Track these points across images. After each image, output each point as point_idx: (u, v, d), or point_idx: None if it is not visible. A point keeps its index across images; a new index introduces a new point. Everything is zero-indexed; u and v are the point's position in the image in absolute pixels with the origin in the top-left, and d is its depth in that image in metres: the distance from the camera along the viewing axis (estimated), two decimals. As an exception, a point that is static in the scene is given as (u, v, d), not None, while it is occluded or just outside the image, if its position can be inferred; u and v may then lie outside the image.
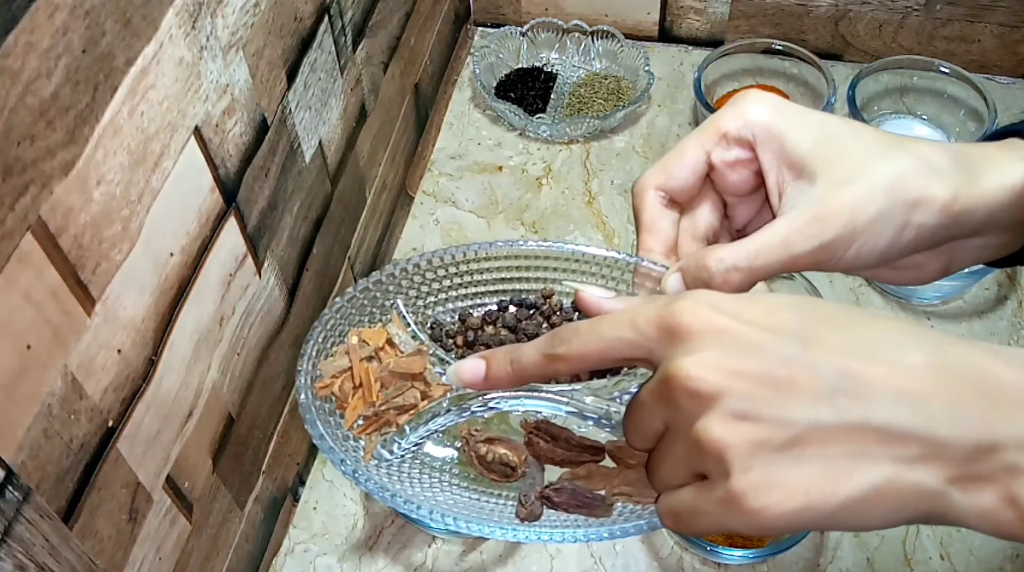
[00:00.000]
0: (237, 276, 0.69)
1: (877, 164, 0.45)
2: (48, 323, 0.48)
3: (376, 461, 0.51)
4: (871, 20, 1.12)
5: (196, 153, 0.60)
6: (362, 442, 0.52)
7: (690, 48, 1.20)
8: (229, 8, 0.62)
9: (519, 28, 1.17)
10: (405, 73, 1.03)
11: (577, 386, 0.53)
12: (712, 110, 1.04)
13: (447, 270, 0.57)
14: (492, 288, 0.57)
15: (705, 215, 0.51)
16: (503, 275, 0.57)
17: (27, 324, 0.47)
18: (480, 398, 0.53)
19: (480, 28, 1.25)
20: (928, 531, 0.81)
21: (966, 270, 0.96)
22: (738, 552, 0.77)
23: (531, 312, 0.56)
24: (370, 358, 0.53)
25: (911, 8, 1.10)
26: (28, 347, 0.47)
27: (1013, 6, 1.07)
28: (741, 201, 0.51)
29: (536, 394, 0.53)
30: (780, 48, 1.10)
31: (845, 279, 0.98)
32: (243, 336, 0.71)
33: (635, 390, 0.51)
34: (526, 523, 0.49)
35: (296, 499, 0.86)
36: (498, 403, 0.53)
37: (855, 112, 1.02)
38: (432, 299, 0.58)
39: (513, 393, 0.53)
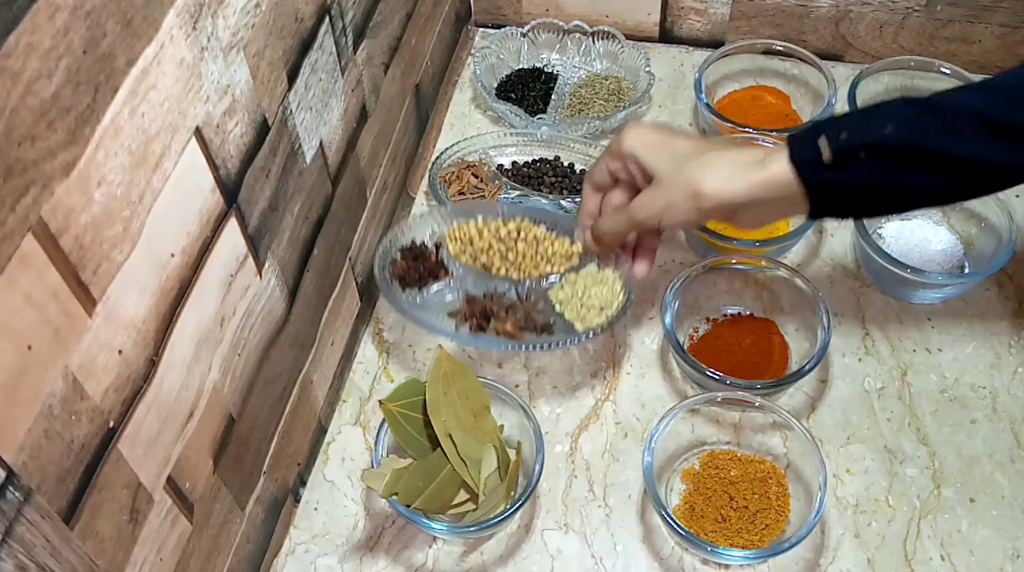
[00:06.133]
0: (238, 277, 0.69)
1: (678, 171, 0.76)
2: (49, 324, 0.48)
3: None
4: (872, 21, 1.12)
5: (197, 154, 0.60)
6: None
7: (691, 49, 1.20)
8: (230, 9, 0.62)
9: (520, 29, 1.17)
10: (406, 74, 1.03)
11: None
12: (713, 110, 1.04)
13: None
14: None
15: (617, 196, 0.83)
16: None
17: (28, 325, 0.47)
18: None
19: (481, 29, 1.25)
20: (929, 532, 0.81)
21: (967, 271, 0.96)
22: (738, 552, 0.77)
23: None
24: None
25: (912, 9, 1.10)
26: (29, 348, 0.47)
27: (1014, 7, 1.07)
28: (639, 188, 0.81)
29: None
30: (781, 49, 1.10)
31: (846, 280, 0.98)
32: (244, 337, 0.71)
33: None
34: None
35: (297, 500, 0.86)
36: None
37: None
38: None
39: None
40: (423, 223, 0.90)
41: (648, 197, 0.77)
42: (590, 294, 0.85)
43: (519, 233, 0.89)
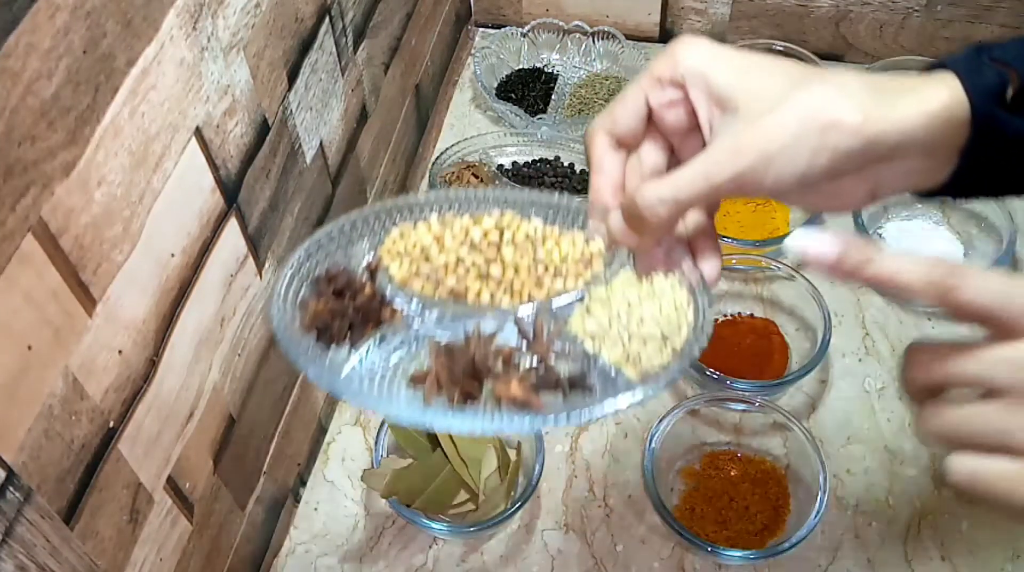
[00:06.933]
0: (238, 277, 0.69)
1: (792, 93, 0.47)
2: (49, 324, 0.48)
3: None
4: (872, 21, 1.12)
5: (197, 154, 0.60)
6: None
7: (691, 49, 1.20)
8: (230, 9, 0.62)
9: (520, 29, 1.17)
10: (406, 74, 1.03)
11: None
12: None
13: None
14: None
15: (650, 154, 0.53)
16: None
17: (28, 325, 0.47)
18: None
19: (481, 29, 1.25)
20: (929, 531, 0.81)
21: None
22: (739, 552, 0.77)
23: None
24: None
25: (912, 9, 1.10)
26: (29, 348, 0.47)
27: (1014, 7, 1.07)
28: (685, 140, 0.53)
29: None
30: (781, 49, 1.10)
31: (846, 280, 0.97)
32: (244, 337, 0.71)
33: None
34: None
35: (297, 500, 0.86)
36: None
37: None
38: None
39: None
40: (343, 235, 0.57)
41: (748, 136, 0.47)
42: (639, 316, 0.52)
43: (502, 234, 0.56)
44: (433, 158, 1.06)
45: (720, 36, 1.18)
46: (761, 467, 0.83)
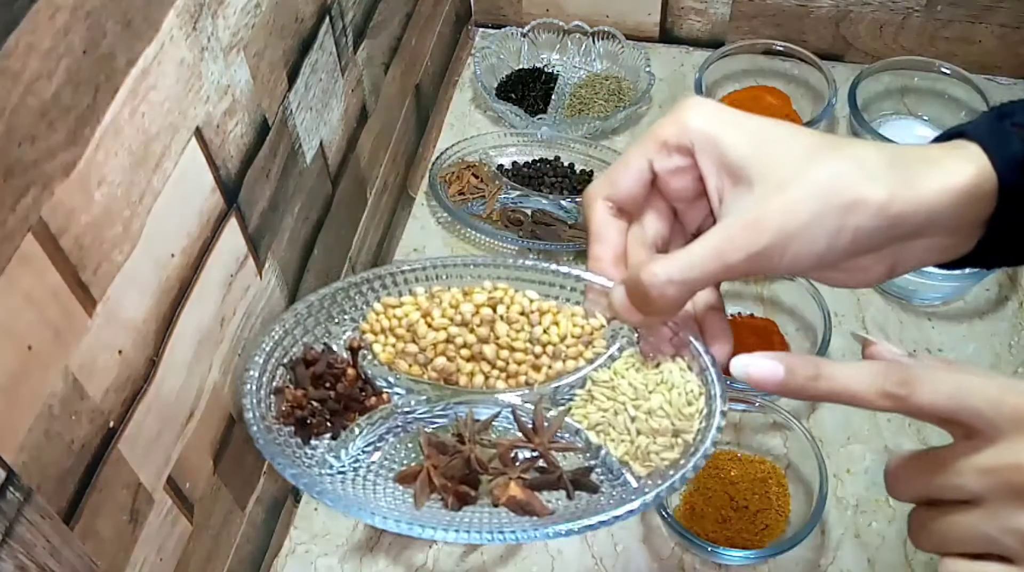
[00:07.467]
0: (238, 277, 0.69)
1: (811, 168, 0.45)
2: (49, 324, 0.48)
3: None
4: (872, 21, 1.12)
5: (197, 154, 0.60)
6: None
7: (691, 49, 1.20)
8: (230, 9, 0.62)
9: (520, 29, 1.17)
10: (406, 74, 1.03)
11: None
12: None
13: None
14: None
15: (652, 223, 0.51)
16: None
17: (28, 325, 0.47)
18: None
19: (481, 29, 1.26)
20: (929, 532, 0.81)
21: (967, 271, 0.96)
22: (739, 552, 0.77)
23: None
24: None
25: (912, 9, 1.10)
26: (29, 348, 0.47)
27: (1014, 7, 1.07)
28: (690, 206, 0.51)
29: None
30: (781, 49, 1.10)
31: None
32: (244, 337, 0.71)
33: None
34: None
35: (297, 500, 0.86)
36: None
37: (856, 113, 1.02)
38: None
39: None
40: (322, 309, 0.53)
41: (765, 213, 0.45)
42: (647, 408, 0.48)
43: (495, 309, 0.52)
44: (433, 158, 1.06)
45: (720, 36, 1.19)
46: (761, 467, 0.83)
